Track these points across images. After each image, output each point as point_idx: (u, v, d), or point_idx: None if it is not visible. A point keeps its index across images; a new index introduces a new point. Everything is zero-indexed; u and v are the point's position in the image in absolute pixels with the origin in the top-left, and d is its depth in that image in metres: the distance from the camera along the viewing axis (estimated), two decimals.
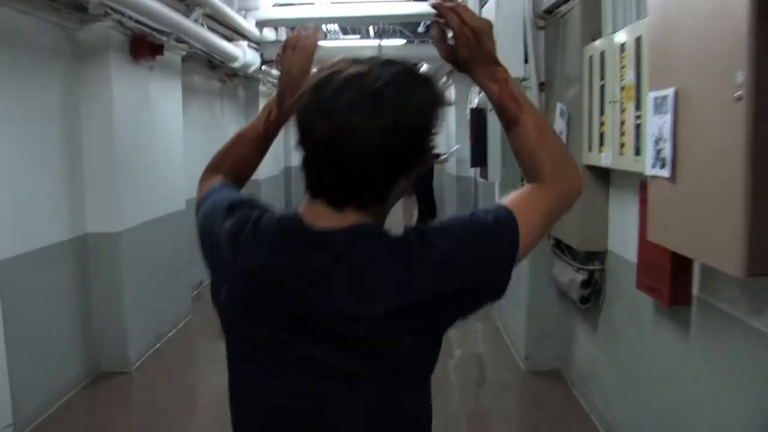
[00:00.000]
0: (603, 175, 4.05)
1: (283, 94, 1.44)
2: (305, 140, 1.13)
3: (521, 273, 5.34)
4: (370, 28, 10.29)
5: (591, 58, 3.84)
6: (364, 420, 1.17)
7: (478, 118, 6.03)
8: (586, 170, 4.05)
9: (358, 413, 1.16)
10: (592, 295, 4.26)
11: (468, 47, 1.24)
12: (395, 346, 1.13)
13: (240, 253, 1.19)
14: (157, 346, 6.10)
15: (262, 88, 10.80)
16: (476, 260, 1.15)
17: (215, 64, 8.15)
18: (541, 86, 4.89)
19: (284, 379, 1.17)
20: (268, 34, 8.31)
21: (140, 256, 5.77)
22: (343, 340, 1.12)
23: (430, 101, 1.14)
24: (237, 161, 1.54)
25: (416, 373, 1.21)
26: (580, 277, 4.28)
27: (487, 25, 1.24)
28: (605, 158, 3.63)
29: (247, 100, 10.62)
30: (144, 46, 5.49)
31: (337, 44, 9.44)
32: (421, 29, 9.83)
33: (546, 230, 1.28)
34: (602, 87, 3.66)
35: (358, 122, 1.07)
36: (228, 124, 9.72)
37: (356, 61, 1.14)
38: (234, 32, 7.23)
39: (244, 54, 7.16)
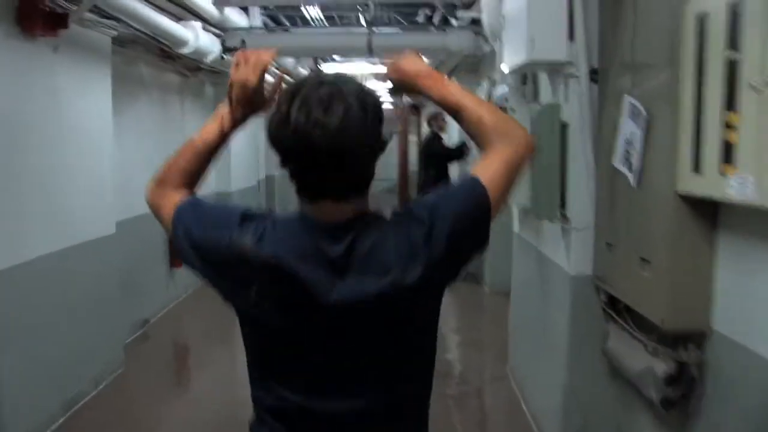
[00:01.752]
0: (705, 212, 2.49)
1: (238, 103, 1.53)
2: (302, 152, 1.32)
3: (557, 332, 3.79)
4: (361, 17, 8.70)
5: (704, 19, 2.27)
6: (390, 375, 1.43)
7: None
8: (678, 200, 2.50)
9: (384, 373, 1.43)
10: (682, 397, 2.69)
11: (396, 79, 1.58)
12: (416, 308, 1.41)
13: (266, 252, 1.35)
14: (62, 420, 4.49)
15: None
16: (457, 220, 1.39)
17: (171, 53, 6.54)
18: (593, 75, 3.33)
19: (318, 359, 1.40)
20: (234, 17, 6.74)
21: (37, 299, 4.19)
22: (368, 314, 1.36)
23: (381, 103, 1.41)
24: (189, 171, 1.58)
25: (432, 325, 1.50)
26: (664, 368, 2.70)
27: (404, 56, 1.57)
28: (737, 187, 2.05)
29: (216, 99, 9.02)
30: (36, 16, 3.92)
31: (324, 32, 7.83)
32: (420, 19, 8.27)
33: (507, 182, 1.46)
34: (732, 64, 2.09)
35: (353, 132, 1.32)
36: (191, 128, 8.11)
37: (322, 80, 1.37)
38: (185, 10, 5.67)
39: (195, 37, 5.59)
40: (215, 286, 1.47)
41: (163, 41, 5.56)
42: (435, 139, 8.65)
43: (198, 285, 8.29)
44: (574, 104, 3.44)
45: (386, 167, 17.10)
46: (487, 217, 1.43)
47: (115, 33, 5.03)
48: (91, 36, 4.77)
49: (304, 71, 10.73)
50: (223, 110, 1.56)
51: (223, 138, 1.58)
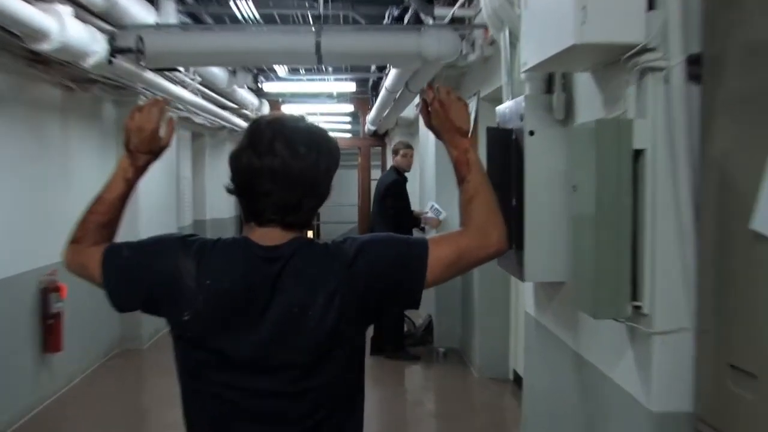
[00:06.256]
0: None
1: (137, 150, 1.81)
2: (275, 179, 1.65)
3: None
4: (309, 17, 7.51)
5: None
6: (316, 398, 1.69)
7: (502, 145, 3.26)
8: None
9: (313, 390, 1.68)
10: None
11: (437, 117, 1.80)
12: (336, 323, 1.65)
13: (207, 276, 1.66)
14: None
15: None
16: (386, 264, 1.70)
17: (44, 56, 5.18)
18: (693, 68, 2.16)
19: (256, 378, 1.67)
20: (135, 10, 5.48)
21: None
22: (299, 327, 1.64)
23: (336, 146, 1.77)
24: (103, 224, 1.83)
25: (353, 350, 1.74)
26: None
27: (457, 100, 1.80)
28: None
29: (120, 123, 7.68)
30: None
31: (257, 30, 6.58)
32: (387, 20, 7.13)
33: (454, 266, 1.73)
34: None
35: (320, 162, 1.69)
36: (79, 160, 6.79)
37: (288, 121, 1.74)
38: None
39: (61, 28, 4.30)
40: (152, 311, 1.75)
41: (15, 31, 4.25)
42: (394, 181, 7.35)
43: (95, 365, 6.97)
44: (657, 118, 2.26)
45: (344, 210, 16.01)
46: (416, 287, 1.71)
47: None
48: None
49: (241, 90, 9.56)
50: (124, 161, 1.83)
51: (129, 187, 1.85)
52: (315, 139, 1.70)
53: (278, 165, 1.63)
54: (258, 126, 1.71)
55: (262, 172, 1.64)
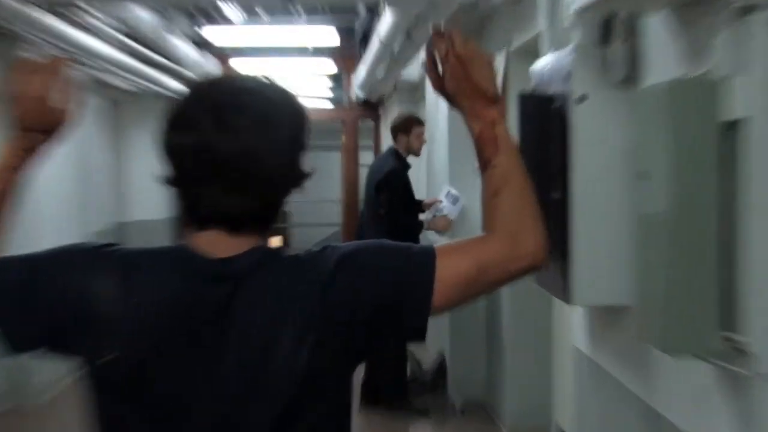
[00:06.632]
0: None
1: (24, 127, 1.82)
2: (201, 162, 1.64)
3: None
4: None
5: None
6: None
7: (539, 116, 3.44)
8: None
9: None
10: None
11: (454, 78, 1.79)
12: (309, 368, 1.65)
13: (133, 301, 1.66)
14: None
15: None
16: (378, 281, 1.70)
17: None
18: None
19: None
20: None
21: None
22: (258, 376, 1.64)
23: (301, 115, 1.77)
24: None
25: (333, 403, 1.75)
26: None
27: (479, 54, 1.78)
28: None
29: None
30: None
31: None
32: None
33: (473, 284, 1.73)
34: None
35: (268, 146, 1.66)
36: None
37: (239, 84, 1.78)
38: None
39: None
40: (60, 350, 1.74)
41: None
42: (392, 170, 7.39)
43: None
44: (762, 77, 2.32)
45: (323, 208, 16.19)
46: (419, 313, 1.70)
47: None
48: None
49: (176, 40, 9.62)
50: (7, 143, 1.85)
51: (16, 179, 1.86)
52: (263, 107, 1.69)
53: (201, 143, 1.62)
54: (190, 91, 1.75)
55: (184, 152, 1.65)
